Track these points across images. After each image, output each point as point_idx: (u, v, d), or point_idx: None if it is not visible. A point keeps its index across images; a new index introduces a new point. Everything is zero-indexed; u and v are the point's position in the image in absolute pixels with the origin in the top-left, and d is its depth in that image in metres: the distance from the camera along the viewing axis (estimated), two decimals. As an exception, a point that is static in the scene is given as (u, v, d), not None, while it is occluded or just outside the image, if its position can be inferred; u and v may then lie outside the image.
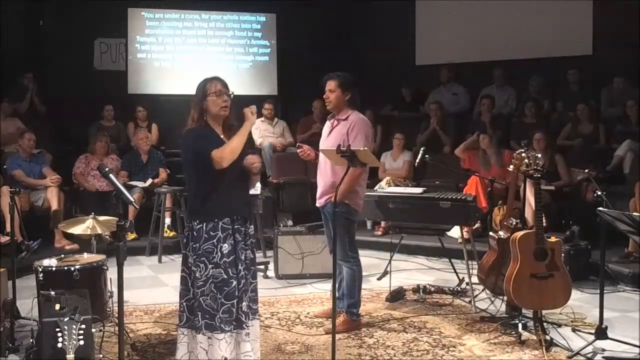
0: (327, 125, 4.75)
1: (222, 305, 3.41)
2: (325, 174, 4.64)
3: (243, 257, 3.52)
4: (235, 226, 3.49)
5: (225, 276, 3.42)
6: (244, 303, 3.49)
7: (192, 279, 3.46)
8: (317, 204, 4.73)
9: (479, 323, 4.78)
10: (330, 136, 4.66)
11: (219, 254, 3.42)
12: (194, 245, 3.45)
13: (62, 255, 4.54)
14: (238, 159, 3.46)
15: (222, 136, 3.52)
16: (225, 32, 10.41)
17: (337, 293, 4.78)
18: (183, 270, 3.54)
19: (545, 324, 4.50)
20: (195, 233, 3.46)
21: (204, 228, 3.44)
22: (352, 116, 4.59)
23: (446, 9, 10.05)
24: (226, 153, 3.37)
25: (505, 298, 4.72)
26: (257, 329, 3.68)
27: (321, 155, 4.64)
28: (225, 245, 3.44)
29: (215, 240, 3.43)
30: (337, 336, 4.04)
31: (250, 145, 3.79)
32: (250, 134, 3.66)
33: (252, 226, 3.65)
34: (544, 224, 4.52)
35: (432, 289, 5.56)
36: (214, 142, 3.42)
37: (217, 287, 3.42)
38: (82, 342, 2.97)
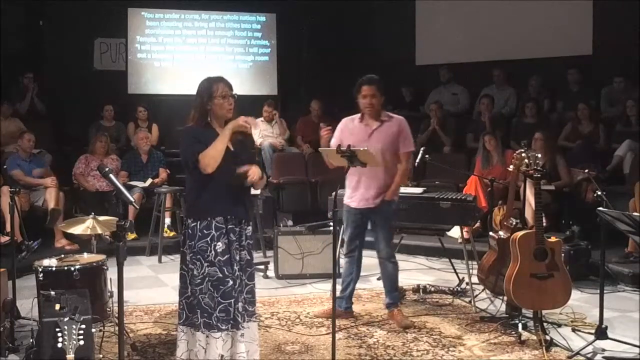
0: (359, 126, 4.73)
1: (219, 304, 3.40)
2: (377, 176, 4.63)
3: (238, 258, 3.50)
4: (229, 226, 3.47)
5: (221, 275, 3.40)
6: (240, 303, 3.47)
7: (190, 277, 3.46)
8: (367, 205, 4.67)
9: (479, 323, 4.78)
10: (373, 137, 4.65)
11: (213, 252, 3.41)
12: (190, 243, 3.44)
13: (62, 255, 4.54)
14: (233, 160, 3.43)
15: None
16: (225, 32, 10.41)
17: (341, 292, 4.82)
18: (182, 269, 3.53)
19: (545, 324, 4.50)
20: (190, 231, 3.45)
21: (198, 226, 3.43)
22: (396, 117, 4.75)
23: (446, 9, 10.05)
24: (208, 159, 3.34)
25: (505, 298, 4.72)
26: (253, 331, 3.63)
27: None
28: (219, 244, 3.42)
29: (209, 239, 3.41)
30: (337, 336, 4.04)
31: (250, 146, 3.74)
32: (250, 135, 3.63)
33: (249, 227, 3.60)
34: (544, 224, 4.52)
35: (432, 289, 5.57)
36: (210, 143, 3.37)
37: (214, 286, 3.40)
38: (82, 342, 2.96)
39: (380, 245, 4.80)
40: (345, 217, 4.84)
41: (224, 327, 3.41)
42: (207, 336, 3.42)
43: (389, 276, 4.87)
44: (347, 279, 4.91)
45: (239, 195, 3.55)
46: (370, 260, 6.73)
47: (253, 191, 4.25)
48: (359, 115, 4.77)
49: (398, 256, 6.40)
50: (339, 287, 4.83)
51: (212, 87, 3.46)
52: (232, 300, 3.43)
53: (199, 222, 3.43)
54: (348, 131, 4.74)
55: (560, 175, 7.08)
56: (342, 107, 9.20)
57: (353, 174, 4.67)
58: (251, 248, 3.63)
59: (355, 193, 4.72)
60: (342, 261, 5.17)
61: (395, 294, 4.92)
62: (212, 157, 3.34)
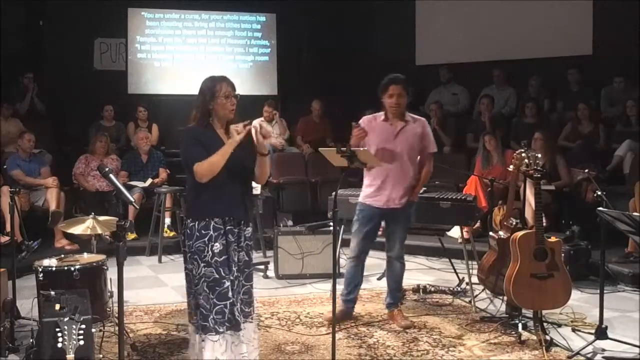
0: (383, 125, 4.67)
1: (214, 306, 3.36)
2: (404, 176, 4.62)
3: (236, 259, 3.47)
4: (228, 227, 3.43)
5: (217, 276, 3.36)
6: (238, 305, 3.45)
7: (191, 277, 3.45)
8: (393, 205, 4.63)
9: (479, 323, 4.78)
10: (399, 137, 4.62)
11: (210, 252, 3.37)
12: (188, 243, 3.42)
13: (62, 255, 4.54)
14: (233, 162, 3.40)
15: (224, 137, 3.45)
16: (225, 32, 10.42)
17: (346, 296, 4.83)
18: (186, 268, 3.50)
19: (545, 324, 4.50)
20: (189, 231, 3.42)
21: (196, 226, 3.39)
22: (420, 119, 4.74)
23: (446, 9, 10.05)
24: (205, 169, 3.31)
25: (505, 298, 4.72)
26: (250, 333, 3.60)
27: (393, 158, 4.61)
28: (217, 244, 3.38)
29: (206, 239, 3.38)
30: (337, 336, 4.04)
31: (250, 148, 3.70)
32: (250, 137, 3.59)
33: (249, 228, 3.56)
34: (544, 224, 4.52)
35: (432, 289, 5.56)
36: (212, 145, 3.35)
37: (209, 287, 3.36)
38: (82, 342, 2.96)
39: (396, 245, 4.76)
40: (361, 216, 4.74)
41: (220, 330, 3.37)
42: (202, 340, 3.39)
43: (395, 276, 4.86)
44: (353, 282, 4.86)
45: (239, 196, 3.50)
46: (370, 260, 6.72)
47: (253, 191, 4.25)
48: (380, 114, 4.71)
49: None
50: (338, 287, 4.81)
51: (215, 86, 3.41)
52: (229, 302, 3.38)
53: (197, 222, 3.40)
54: (371, 130, 4.65)
55: (560, 175, 7.08)
56: (342, 107, 9.28)
57: (378, 174, 4.64)
58: (250, 249, 3.59)
59: (380, 193, 4.64)
60: (343, 261, 5.16)
61: (397, 294, 4.93)
62: (210, 167, 3.32)
